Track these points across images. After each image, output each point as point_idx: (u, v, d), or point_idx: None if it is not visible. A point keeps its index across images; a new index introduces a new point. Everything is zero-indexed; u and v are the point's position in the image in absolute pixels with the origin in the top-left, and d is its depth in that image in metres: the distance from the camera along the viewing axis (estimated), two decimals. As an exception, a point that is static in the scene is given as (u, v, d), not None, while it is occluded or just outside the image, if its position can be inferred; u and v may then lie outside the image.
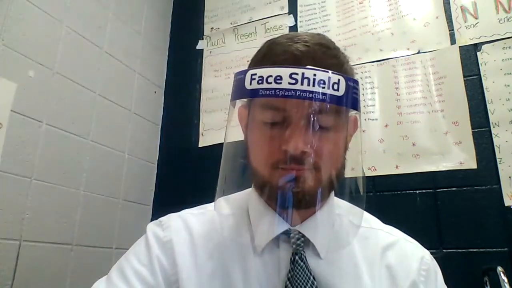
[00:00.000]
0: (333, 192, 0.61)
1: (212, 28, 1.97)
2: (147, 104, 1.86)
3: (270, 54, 0.57)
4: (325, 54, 0.55)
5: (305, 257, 0.58)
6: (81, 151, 1.47)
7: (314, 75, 0.47)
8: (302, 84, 0.47)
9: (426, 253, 0.66)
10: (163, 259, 0.60)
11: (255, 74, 0.49)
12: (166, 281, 0.59)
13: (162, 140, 1.90)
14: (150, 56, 1.91)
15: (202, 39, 1.98)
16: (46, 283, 1.26)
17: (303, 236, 0.59)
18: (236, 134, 0.61)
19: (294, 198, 0.53)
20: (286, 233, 0.59)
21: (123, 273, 0.59)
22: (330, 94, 0.47)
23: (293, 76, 0.47)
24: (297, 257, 0.57)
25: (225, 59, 1.89)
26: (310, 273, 0.56)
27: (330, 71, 0.48)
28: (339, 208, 0.63)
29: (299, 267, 0.56)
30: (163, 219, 0.67)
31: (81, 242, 1.41)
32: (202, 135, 1.82)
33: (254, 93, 0.49)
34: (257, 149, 0.58)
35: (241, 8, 1.93)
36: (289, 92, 0.47)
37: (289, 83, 0.47)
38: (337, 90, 0.48)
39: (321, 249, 0.59)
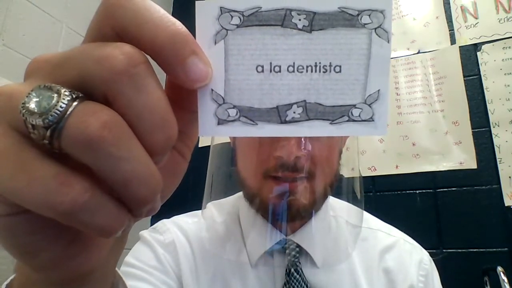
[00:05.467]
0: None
1: (212, 28, 1.97)
2: (147, 104, 1.86)
3: None
4: None
5: (301, 269, 0.55)
6: (81, 151, 1.47)
7: None
8: None
9: (424, 255, 0.64)
10: (170, 260, 0.58)
11: None
12: (177, 281, 0.57)
13: (162, 140, 1.90)
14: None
15: (202, 39, 1.97)
16: (46, 283, 1.26)
17: (298, 246, 0.56)
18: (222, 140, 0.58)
19: (288, 209, 0.50)
20: (280, 243, 0.56)
21: (135, 276, 0.55)
22: None
23: None
24: (292, 270, 0.55)
25: (225, 59, 1.89)
26: (307, 286, 0.55)
27: None
28: (334, 210, 0.60)
29: (295, 280, 0.54)
30: (156, 225, 0.64)
31: (81, 242, 1.41)
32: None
33: None
34: (245, 157, 0.55)
35: (241, 8, 1.93)
36: None
37: None
38: None
39: (317, 258, 0.57)
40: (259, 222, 0.57)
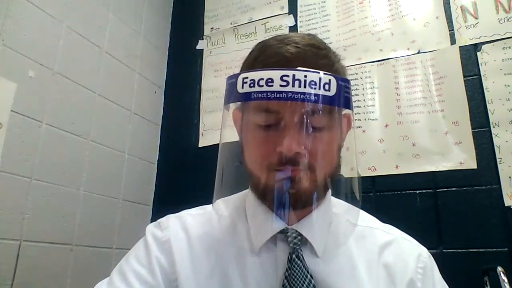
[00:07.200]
0: (329, 191, 0.61)
1: (212, 28, 1.97)
2: (147, 104, 1.86)
3: (261, 57, 0.58)
4: (316, 54, 0.56)
5: (302, 255, 0.58)
6: (81, 151, 1.47)
7: (305, 76, 0.48)
8: (293, 86, 0.47)
9: (423, 251, 0.66)
10: (162, 258, 0.61)
11: (247, 78, 0.49)
12: (166, 280, 0.59)
13: (162, 140, 1.90)
14: (150, 56, 1.91)
15: (202, 39, 1.98)
16: (46, 283, 1.27)
17: (300, 234, 0.59)
18: (229, 136, 0.61)
19: (289, 198, 0.54)
20: (283, 232, 0.59)
21: (124, 274, 0.60)
22: (322, 95, 0.48)
23: (284, 78, 0.48)
24: (294, 256, 0.58)
25: (225, 59, 1.89)
26: (308, 272, 0.57)
27: (321, 72, 0.49)
28: (337, 207, 0.63)
29: (296, 266, 0.57)
30: (161, 220, 0.68)
31: (81, 242, 1.41)
32: (202, 135, 1.82)
33: (246, 97, 0.50)
34: (252, 151, 0.59)
35: (241, 8, 1.93)
36: (280, 94, 0.47)
37: (281, 85, 0.47)
38: (328, 90, 0.48)
39: (318, 247, 0.59)
40: (263, 212, 0.61)
